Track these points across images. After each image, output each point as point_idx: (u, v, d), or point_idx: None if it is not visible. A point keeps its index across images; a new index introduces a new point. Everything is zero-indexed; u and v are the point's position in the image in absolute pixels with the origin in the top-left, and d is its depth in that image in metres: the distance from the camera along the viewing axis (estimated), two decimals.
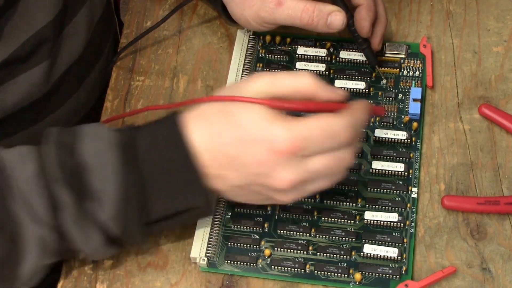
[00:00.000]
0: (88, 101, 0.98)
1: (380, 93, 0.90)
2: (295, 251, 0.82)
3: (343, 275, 0.80)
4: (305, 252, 0.82)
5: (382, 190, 0.84)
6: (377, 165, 0.85)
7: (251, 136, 0.73)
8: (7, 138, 0.90)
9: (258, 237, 0.83)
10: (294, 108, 0.74)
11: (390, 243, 0.81)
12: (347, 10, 0.87)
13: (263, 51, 0.94)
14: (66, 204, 0.74)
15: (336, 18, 0.86)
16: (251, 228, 0.83)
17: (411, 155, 0.86)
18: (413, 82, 0.91)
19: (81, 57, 0.94)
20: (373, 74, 0.91)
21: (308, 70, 0.92)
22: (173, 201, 0.76)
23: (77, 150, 0.75)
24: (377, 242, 0.81)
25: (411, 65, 0.92)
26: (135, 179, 0.74)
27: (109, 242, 0.76)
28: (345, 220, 0.83)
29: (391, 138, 0.87)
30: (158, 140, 0.75)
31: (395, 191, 0.84)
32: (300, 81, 0.75)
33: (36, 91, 0.89)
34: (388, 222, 0.82)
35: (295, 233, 0.83)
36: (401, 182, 0.85)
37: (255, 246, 0.82)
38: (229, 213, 0.84)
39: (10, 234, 0.73)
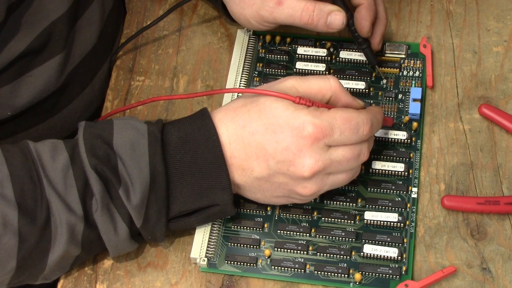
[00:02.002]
0: (101, 92, 0.98)
1: (380, 93, 0.90)
2: (295, 251, 0.82)
3: (343, 275, 0.80)
4: (305, 252, 0.82)
5: (382, 190, 0.84)
6: (377, 165, 0.85)
7: (279, 123, 0.77)
8: (24, 131, 0.91)
9: (258, 237, 0.83)
10: (318, 107, 0.78)
11: (390, 243, 0.81)
12: (347, 9, 0.87)
13: (263, 51, 0.94)
14: (95, 190, 0.76)
15: (336, 17, 0.86)
16: (251, 228, 0.83)
17: (411, 155, 0.86)
18: (413, 82, 0.91)
19: (94, 48, 0.94)
20: (373, 74, 0.91)
21: (308, 70, 0.92)
22: (196, 195, 0.78)
23: (108, 139, 0.77)
24: (377, 242, 0.81)
25: (411, 65, 0.92)
26: (162, 168, 0.77)
27: (132, 234, 0.78)
28: (345, 220, 0.83)
29: (391, 138, 0.87)
30: (187, 133, 0.79)
31: (395, 191, 0.84)
32: (325, 83, 0.80)
33: (51, 84, 0.90)
34: (388, 222, 0.82)
35: (295, 233, 0.83)
36: (401, 182, 0.85)
37: (255, 246, 0.82)
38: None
39: (43, 221, 0.75)
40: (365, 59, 0.91)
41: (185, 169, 0.78)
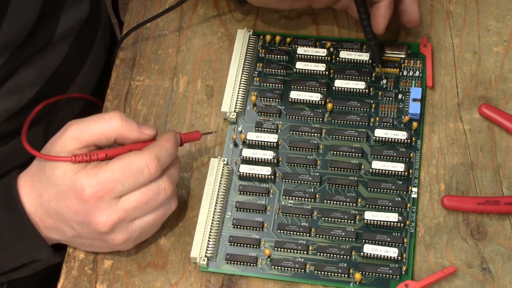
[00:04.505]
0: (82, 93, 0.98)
1: (380, 93, 0.90)
2: (295, 251, 0.82)
3: (343, 275, 0.80)
4: (305, 252, 0.82)
5: (382, 190, 0.84)
6: (377, 165, 0.85)
7: (63, 189, 0.76)
8: (16, 136, 0.91)
9: (258, 237, 0.83)
10: (97, 159, 0.77)
11: (390, 243, 0.81)
12: (364, 2, 0.87)
13: (263, 51, 0.94)
14: None
15: None
16: (251, 228, 0.83)
17: (411, 155, 0.86)
18: (413, 82, 0.91)
19: (69, 54, 0.95)
20: (373, 74, 0.91)
21: (308, 70, 0.92)
22: (13, 258, 0.79)
23: None
24: (377, 242, 0.81)
25: (411, 65, 0.92)
26: None
27: None
28: (345, 220, 0.83)
29: (391, 138, 0.87)
30: None
31: (395, 191, 0.84)
32: (107, 126, 0.78)
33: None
34: (388, 222, 0.82)
35: (295, 233, 0.83)
36: (401, 182, 0.85)
37: (255, 246, 0.82)
38: (229, 213, 0.84)
39: None
40: (366, 59, 0.91)
41: None
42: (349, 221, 0.83)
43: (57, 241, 0.81)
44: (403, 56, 0.92)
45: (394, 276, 0.80)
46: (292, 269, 0.81)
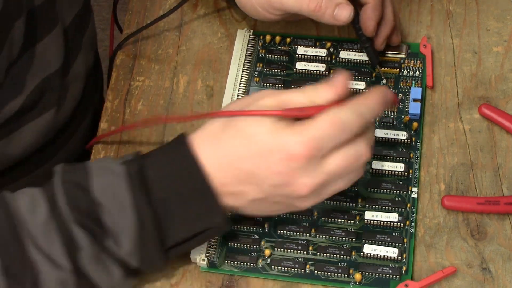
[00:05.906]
0: (84, 141, 0.98)
1: None
2: (295, 251, 0.82)
3: (343, 275, 0.80)
4: (305, 252, 0.82)
5: (382, 190, 0.84)
6: (377, 165, 0.85)
7: (265, 147, 0.72)
8: (12, 183, 0.91)
9: (258, 237, 0.83)
10: (306, 115, 0.72)
11: (390, 243, 0.81)
12: (354, 7, 0.87)
13: (263, 51, 0.94)
14: (83, 245, 0.73)
15: (343, 10, 0.84)
16: (251, 228, 0.83)
17: (411, 155, 0.86)
18: (413, 82, 0.91)
19: (80, 102, 0.96)
20: (373, 74, 0.91)
21: (308, 70, 0.92)
22: (190, 225, 0.75)
23: (87, 188, 0.74)
24: (377, 242, 0.81)
25: (411, 65, 0.92)
26: (149, 210, 0.73)
27: (129, 274, 0.76)
28: (345, 220, 0.83)
29: (391, 138, 0.87)
30: (168, 167, 0.74)
31: (395, 191, 0.84)
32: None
33: (41, 139, 0.91)
34: (388, 222, 0.82)
35: (295, 233, 0.83)
36: (401, 182, 0.85)
37: (255, 246, 0.82)
38: (229, 213, 0.84)
39: (31, 282, 0.72)
40: (366, 59, 0.91)
41: (173, 206, 0.74)
42: (349, 221, 0.83)
43: (228, 209, 0.76)
44: (403, 56, 0.92)
45: (394, 276, 0.80)
46: (292, 269, 0.81)
